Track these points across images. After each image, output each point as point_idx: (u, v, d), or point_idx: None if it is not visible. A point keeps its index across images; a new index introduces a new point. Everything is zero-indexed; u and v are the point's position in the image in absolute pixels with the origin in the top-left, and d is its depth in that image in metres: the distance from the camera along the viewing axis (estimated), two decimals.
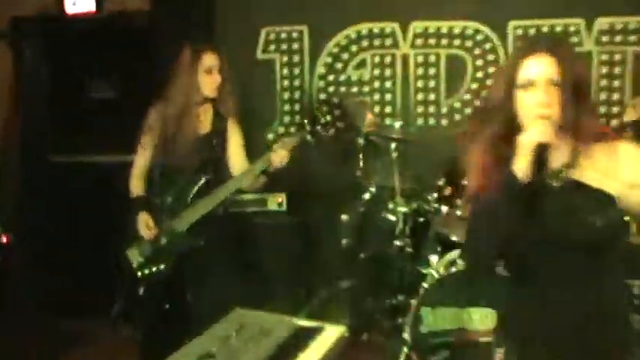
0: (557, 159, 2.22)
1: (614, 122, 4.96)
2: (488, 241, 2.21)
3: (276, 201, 4.82)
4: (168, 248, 3.78)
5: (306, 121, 3.79)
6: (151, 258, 3.80)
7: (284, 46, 5.44)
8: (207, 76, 3.75)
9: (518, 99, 2.19)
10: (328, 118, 3.77)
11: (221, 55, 3.81)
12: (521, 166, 2.14)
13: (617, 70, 5.08)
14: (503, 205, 2.16)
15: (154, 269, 3.79)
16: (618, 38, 5.05)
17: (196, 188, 3.78)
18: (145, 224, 3.77)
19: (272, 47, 5.45)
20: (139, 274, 3.82)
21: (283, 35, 5.43)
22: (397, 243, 4.42)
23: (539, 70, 2.16)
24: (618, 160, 2.16)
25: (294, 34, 5.41)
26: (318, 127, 3.75)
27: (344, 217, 4.65)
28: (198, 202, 3.76)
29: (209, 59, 3.76)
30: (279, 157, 3.68)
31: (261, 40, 5.44)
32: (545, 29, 5.10)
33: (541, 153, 2.17)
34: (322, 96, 5.38)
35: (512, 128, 2.21)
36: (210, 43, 3.89)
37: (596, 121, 2.32)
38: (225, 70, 3.82)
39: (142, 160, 3.88)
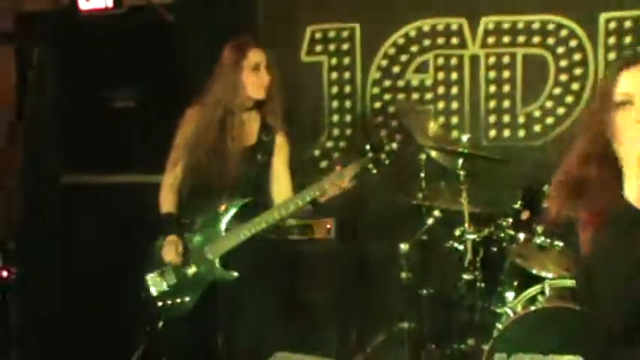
0: None
1: None
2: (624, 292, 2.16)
3: (324, 227, 4.87)
4: (196, 279, 3.85)
5: (368, 146, 3.82)
6: (175, 287, 3.87)
7: (332, 47, 5.52)
8: (254, 74, 3.83)
9: (615, 121, 2.21)
10: (394, 146, 3.82)
11: (267, 52, 3.90)
12: (634, 188, 2.14)
13: None
14: (622, 242, 2.14)
15: (178, 300, 3.86)
16: None
17: (234, 211, 3.85)
18: (174, 247, 3.83)
19: (319, 48, 5.53)
20: (160, 304, 3.89)
21: (332, 34, 5.51)
22: (466, 277, 4.42)
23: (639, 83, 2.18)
24: None
25: (344, 33, 5.48)
26: (383, 156, 3.80)
27: (403, 246, 4.67)
28: (235, 228, 3.83)
29: (256, 55, 3.84)
30: (335, 188, 3.74)
31: (306, 40, 5.54)
32: None
33: None
34: (377, 105, 5.44)
35: (607, 154, 2.22)
36: (254, 38, 3.99)
37: None
38: (274, 71, 3.90)
39: (174, 170, 3.96)
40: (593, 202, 2.24)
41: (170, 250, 3.83)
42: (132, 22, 5.26)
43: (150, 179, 4.10)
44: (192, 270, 3.84)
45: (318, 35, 5.52)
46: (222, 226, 3.84)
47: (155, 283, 3.90)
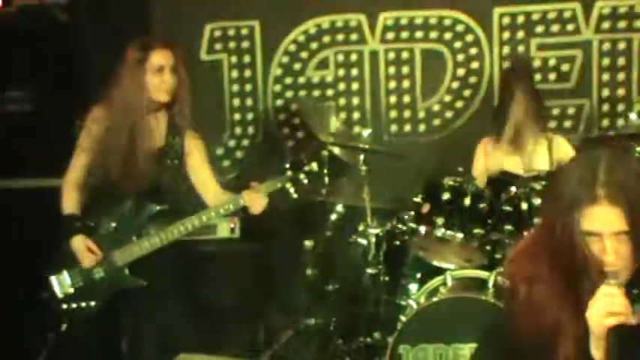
0: None
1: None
2: None
3: (228, 227, 4.85)
4: (103, 283, 3.79)
5: (287, 165, 3.84)
6: (81, 290, 3.78)
7: (232, 45, 5.49)
8: (158, 76, 3.75)
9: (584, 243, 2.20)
10: (314, 166, 3.83)
11: (175, 52, 3.83)
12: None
13: (620, 61, 5.23)
14: None
15: (83, 304, 3.79)
16: (622, 24, 5.20)
17: (147, 217, 3.80)
18: (86, 248, 3.74)
19: (218, 46, 5.50)
20: (64, 306, 3.81)
21: (231, 32, 5.48)
22: (370, 271, 4.46)
23: (603, 222, 2.17)
24: None
25: (244, 31, 5.46)
26: (301, 175, 3.81)
27: (307, 243, 4.70)
28: (146, 236, 3.78)
29: (160, 56, 3.76)
30: (256, 205, 3.76)
31: (205, 38, 5.50)
32: (536, 17, 5.23)
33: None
34: (278, 102, 5.44)
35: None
36: (160, 39, 3.91)
37: None
38: (182, 71, 3.84)
39: (79, 165, 3.85)
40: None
41: (83, 249, 3.75)
42: (23, 22, 5.13)
43: (46, 183, 3.99)
44: (99, 274, 3.78)
45: (217, 33, 5.48)
46: (134, 232, 3.79)
47: (61, 285, 3.81)
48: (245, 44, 5.47)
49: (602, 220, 2.16)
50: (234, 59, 5.48)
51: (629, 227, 2.15)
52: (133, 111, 3.75)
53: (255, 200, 3.78)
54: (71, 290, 3.80)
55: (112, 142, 3.77)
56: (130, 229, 3.80)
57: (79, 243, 3.75)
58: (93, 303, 3.79)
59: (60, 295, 3.81)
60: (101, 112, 3.84)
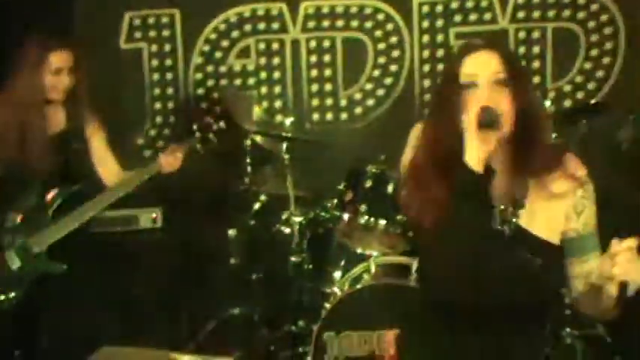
0: (504, 193, 2.37)
1: None
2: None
3: (150, 217, 4.80)
4: (21, 273, 3.71)
5: (195, 126, 3.82)
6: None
7: (152, 33, 5.41)
8: (55, 78, 3.77)
9: (463, 102, 2.33)
10: (222, 124, 3.84)
11: (76, 52, 3.82)
12: (473, 152, 2.27)
13: (536, 49, 5.33)
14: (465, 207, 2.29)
15: (2, 297, 3.72)
16: (537, 14, 5.30)
17: (60, 201, 3.75)
18: None
19: (138, 35, 5.41)
20: None
21: (151, 20, 5.40)
22: (294, 259, 4.48)
23: (481, 66, 2.32)
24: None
25: (164, 19, 5.39)
26: (210, 135, 3.81)
27: (231, 232, 4.69)
28: (62, 218, 3.73)
29: (59, 59, 3.77)
30: (170, 163, 3.76)
31: (124, 27, 5.41)
32: (454, 5, 5.29)
33: (485, 182, 2.31)
34: (200, 90, 5.39)
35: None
36: (61, 38, 3.87)
37: (550, 146, 2.47)
38: (81, 71, 3.84)
39: None
40: (442, 182, 2.33)
41: None
42: None
43: None
44: (16, 264, 3.70)
45: (137, 22, 5.39)
46: (49, 217, 3.73)
47: None
48: (165, 33, 5.39)
49: (479, 64, 2.31)
50: (154, 48, 5.40)
51: (505, 74, 2.29)
52: (28, 107, 3.76)
53: (170, 160, 3.84)
54: None
55: (4, 133, 3.76)
56: (39, 217, 3.75)
57: None
58: (12, 294, 3.72)
59: None
60: None
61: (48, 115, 3.83)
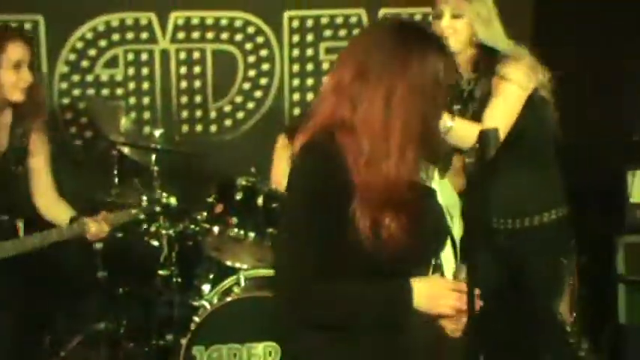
0: None
1: None
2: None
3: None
4: None
5: (145, 197, 3.84)
6: None
7: None
8: (14, 72, 3.31)
9: None
10: (172, 201, 3.74)
11: (32, 46, 3.44)
12: None
13: None
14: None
15: None
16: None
17: None
18: None
19: None
20: None
21: (13, 26, 5.23)
22: (162, 273, 4.44)
23: None
24: None
25: (27, 25, 5.22)
26: (158, 209, 3.82)
27: (97, 245, 4.58)
28: None
29: (17, 51, 3.32)
30: (97, 234, 3.55)
31: None
32: (324, 20, 5.37)
33: None
34: (66, 100, 5.26)
35: None
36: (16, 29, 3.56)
37: None
38: (38, 67, 3.59)
39: None
40: None
41: None
42: None
43: None
44: None
45: None
46: None
47: None
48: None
49: None
50: None
51: None
52: None
53: (99, 229, 3.53)
54: None
55: None
56: None
57: None
58: None
59: None
60: None
61: None
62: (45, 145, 3.58)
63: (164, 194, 4.01)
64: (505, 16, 3.40)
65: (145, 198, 3.94)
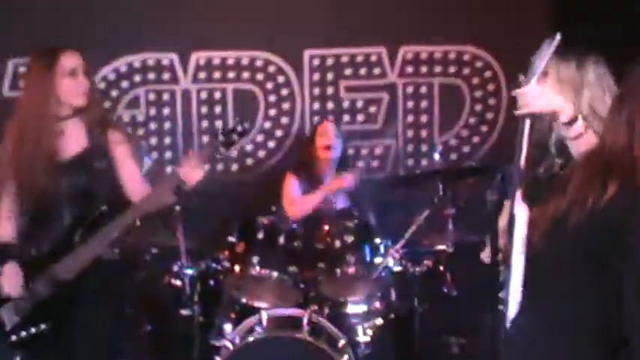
0: None
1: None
2: None
3: None
4: (49, 302, 3.47)
5: (220, 130, 3.55)
6: (29, 316, 3.47)
7: None
8: (72, 80, 3.49)
9: None
10: (246, 126, 3.60)
11: (82, 56, 3.59)
12: None
13: (423, 103, 5.49)
14: None
15: (34, 330, 3.48)
16: (424, 69, 5.47)
17: (85, 226, 3.48)
18: (11, 277, 3.47)
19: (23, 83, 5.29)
20: (14, 337, 3.48)
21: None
22: (184, 312, 4.42)
23: None
24: None
25: None
26: (234, 137, 3.51)
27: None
28: (84, 244, 3.47)
29: (70, 59, 3.52)
30: (193, 176, 3.47)
31: (8, 74, 5.28)
32: (344, 59, 5.41)
33: None
34: None
35: None
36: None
37: None
38: (92, 75, 3.63)
39: (6, 202, 3.58)
40: None
41: (8, 276, 3.47)
42: None
43: None
44: (43, 293, 3.47)
45: (22, 69, 5.27)
46: (75, 240, 3.47)
47: (7, 316, 3.49)
48: None
49: None
50: None
51: None
52: (37, 119, 3.49)
53: (191, 172, 3.48)
54: (17, 319, 3.48)
55: (18, 156, 3.50)
56: (65, 243, 3.48)
57: (7, 270, 3.48)
58: (44, 326, 3.47)
59: (8, 326, 3.49)
60: (10, 127, 3.56)
61: (64, 136, 3.55)
62: (123, 138, 3.66)
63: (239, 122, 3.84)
64: None
65: None
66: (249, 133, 3.72)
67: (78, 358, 3.55)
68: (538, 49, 2.39)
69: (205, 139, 5.35)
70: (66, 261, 3.49)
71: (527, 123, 2.39)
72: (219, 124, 5.34)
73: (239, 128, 3.54)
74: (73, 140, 3.59)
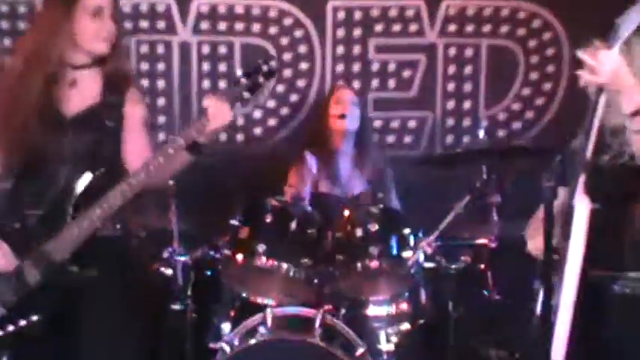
0: None
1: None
2: None
3: None
4: (41, 288, 3.40)
5: (240, 73, 3.46)
6: (16, 306, 3.40)
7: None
8: (95, 21, 3.41)
9: None
10: (273, 64, 3.50)
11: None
12: None
13: (467, 69, 5.49)
14: None
15: (23, 323, 3.46)
16: (470, 27, 5.46)
17: (79, 192, 3.40)
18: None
19: None
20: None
21: (3, 9, 5.32)
22: (175, 307, 4.45)
23: None
24: None
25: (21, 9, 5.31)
26: (260, 79, 3.43)
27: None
28: (83, 214, 3.39)
29: None
30: (221, 117, 3.39)
31: None
32: (375, 12, 5.40)
33: None
34: None
35: None
36: None
37: None
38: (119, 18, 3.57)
39: None
40: None
41: None
42: None
43: None
44: (34, 278, 3.40)
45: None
46: (68, 213, 3.40)
47: None
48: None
49: None
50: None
51: None
52: (48, 65, 3.43)
53: (219, 111, 3.39)
54: (3, 311, 3.40)
55: (18, 106, 3.43)
56: (63, 213, 3.41)
57: None
58: (35, 317, 3.39)
59: None
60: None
61: (77, 86, 3.50)
62: (140, 104, 3.65)
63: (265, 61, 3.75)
64: None
65: None
66: (274, 74, 3.54)
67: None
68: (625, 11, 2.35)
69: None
70: (58, 238, 3.39)
71: (603, 97, 2.36)
72: (222, 84, 5.36)
73: (265, 68, 3.45)
74: (86, 94, 3.53)
